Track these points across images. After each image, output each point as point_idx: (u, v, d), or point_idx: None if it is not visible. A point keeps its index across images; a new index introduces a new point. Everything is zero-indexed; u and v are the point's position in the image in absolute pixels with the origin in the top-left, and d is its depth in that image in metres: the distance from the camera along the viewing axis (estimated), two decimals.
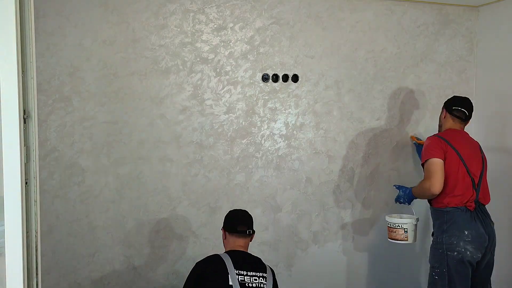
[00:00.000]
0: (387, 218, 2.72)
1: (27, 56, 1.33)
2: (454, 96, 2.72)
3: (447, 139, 2.51)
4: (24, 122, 1.33)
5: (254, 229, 2.26)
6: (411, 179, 3.18)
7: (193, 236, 2.72)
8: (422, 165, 2.57)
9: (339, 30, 2.94)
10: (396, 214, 2.79)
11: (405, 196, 2.70)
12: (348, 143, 3.00)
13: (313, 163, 2.93)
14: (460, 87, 3.24)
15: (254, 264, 2.15)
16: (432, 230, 2.59)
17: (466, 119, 2.63)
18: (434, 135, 2.62)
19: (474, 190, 2.46)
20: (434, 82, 3.18)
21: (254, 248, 2.84)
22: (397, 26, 3.07)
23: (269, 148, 2.84)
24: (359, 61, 2.99)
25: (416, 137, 3.08)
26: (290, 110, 2.87)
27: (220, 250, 2.78)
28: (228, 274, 2.02)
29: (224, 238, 2.26)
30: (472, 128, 3.29)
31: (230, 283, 1.99)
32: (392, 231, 2.68)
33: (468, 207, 2.43)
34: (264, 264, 2.20)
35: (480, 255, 2.41)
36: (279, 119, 2.85)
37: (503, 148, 3.07)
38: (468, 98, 2.67)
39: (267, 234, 2.87)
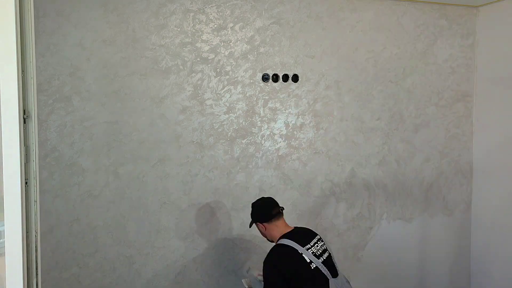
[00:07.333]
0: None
1: (27, 56, 1.33)
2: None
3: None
4: (24, 122, 1.32)
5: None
6: (411, 177, 3.19)
7: (193, 236, 2.72)
8: None
9: (339, 30, 2.94)
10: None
11: None
12: (348, 143, 3.00)
13: (313, 163, 2.93)
14: (460, 87, 3.25)
15: (308, 233, 2.31)
16: None
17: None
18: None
19: None
20: (434, 82, 3.19)
21: (254, 249, 2.84)
22: (397, 26, 3.07)
23: (269, 148, 2.84)
24: (359, 61, 3.00)
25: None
26: (290, 110, 2.87)
27: (219, 250, 2.79)
28: (302, 254, 2.15)
29: (264, 229, 2.32)
30: (473, 128, 3.30)
31: (308, 260, 2.14)
32: None
33: None
34: (312, 230, 2.36)
35: None
36: (279, 119, 2.85)
37: (504, 145, 3.07)
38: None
39: None
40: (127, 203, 2.59)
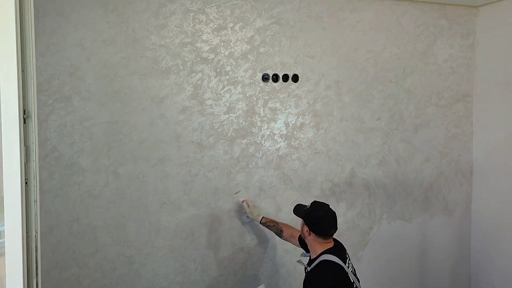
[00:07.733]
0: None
1: (27, 56, 1.33)
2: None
3: None
4: (24, 122, 1.32)
5: None
6: (411, 177, 3.19)
7: (193, 236, 2.72)
8: None
9: (339, 30, 2.94)
10: None
11: None
12: (348, 143, 3.00)
13: (313, 163, 2.93)
14: (460, 87, 3.25)
15: (343, 248, 2.18)
16: None
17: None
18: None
19: None
20: (434, 82, 3.19)
21: (254, 249, 2.84)
22: (397, 26, 3.07)
23: (269, 148, 2.84)
24: (359, 61, 3.00)
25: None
26: (290, 110, 2.87)
27: (219, 250, 2.79)
28: (347, 273, 2.05)
29: (308, 235, 2.13)
30: (473, 128, 3.30)
31: (351, 280, 2.06)
32: None
33: None
34: (342, 243, 2.22)
35: None
36: (279, 119, 2.85)
37: (504, 145, 3.07)
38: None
39: (267, 234, 2.86)
40: (127, 203, 2.59)
